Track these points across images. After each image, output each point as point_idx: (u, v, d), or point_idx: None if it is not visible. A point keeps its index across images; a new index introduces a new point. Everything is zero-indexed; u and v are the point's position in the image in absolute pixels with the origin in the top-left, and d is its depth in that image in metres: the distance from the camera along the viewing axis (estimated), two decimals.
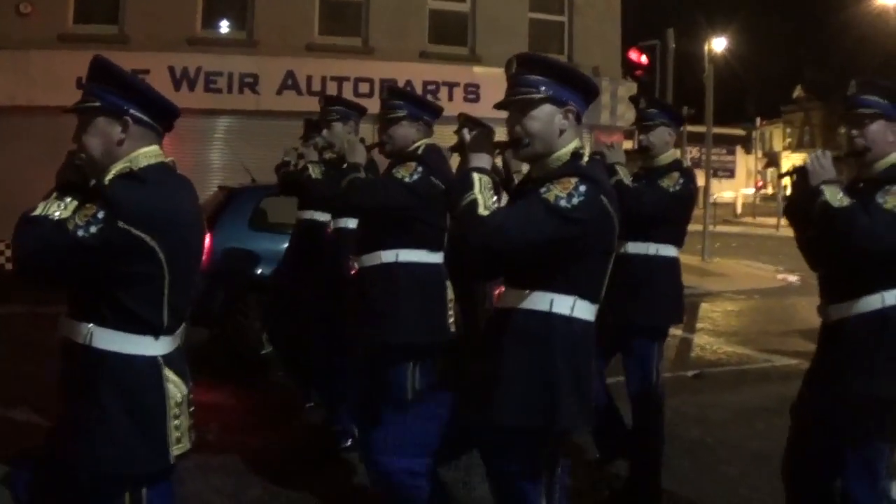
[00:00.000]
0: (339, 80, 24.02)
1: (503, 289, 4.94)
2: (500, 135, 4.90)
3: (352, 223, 8.24)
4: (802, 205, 5.77)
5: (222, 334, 12.82)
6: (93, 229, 3.98)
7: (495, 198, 4.56)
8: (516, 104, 4.81)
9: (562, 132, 4.77)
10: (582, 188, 4.53)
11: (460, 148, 4.90)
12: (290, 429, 9.42)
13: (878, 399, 5.55)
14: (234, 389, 10.46)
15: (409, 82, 23.88)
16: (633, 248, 7.38)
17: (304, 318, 9.31)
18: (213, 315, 12.25)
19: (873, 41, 64.04)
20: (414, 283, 6.86)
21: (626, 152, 8.03)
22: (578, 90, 4.87)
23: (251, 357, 12.60)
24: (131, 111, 4.32)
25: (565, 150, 4.78)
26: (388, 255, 6.88)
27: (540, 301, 4.67)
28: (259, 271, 12.58)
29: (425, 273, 6.92)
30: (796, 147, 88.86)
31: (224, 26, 24.85)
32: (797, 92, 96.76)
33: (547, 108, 4.75)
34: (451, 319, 7.10)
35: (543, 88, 4.75)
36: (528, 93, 4.76)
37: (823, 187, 5.51)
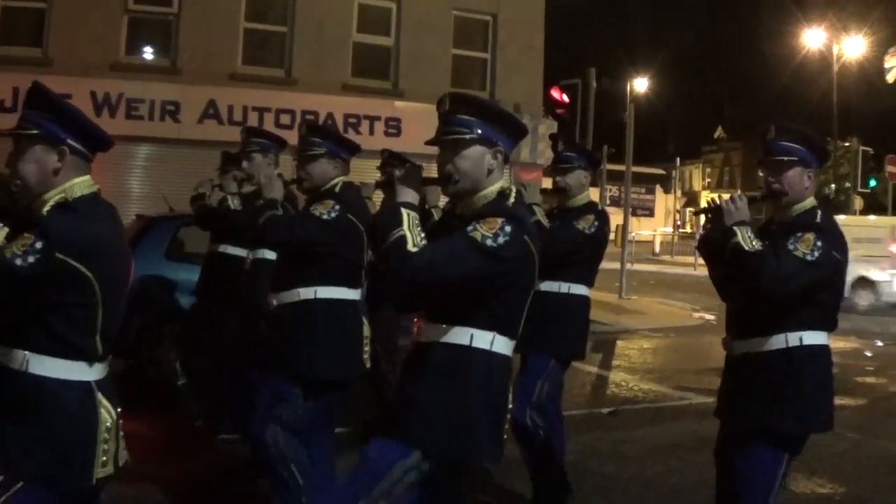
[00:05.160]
0: (261, 111, 23.95)
1: (423, 323, 4.98)
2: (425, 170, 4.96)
3: (270, 254, 8.23)
4: (715, 243, 5.89)
5: (137, 364, 12.69)
6: (30, 259, 4.02)
7: (423, 234, 4.62)
8: (448, 143, 4.88)
9: (490, 172, 4.88)
10: (507, 228, 4.63)
11: (387, 184, 4.95)
12: (205, 460, 9.31)
13: (780, 434, 5.72)
14: (149, 420, 10.33)
15: (330, 115, 23.90)
16: (545, 285, 7.47)
17: (219, 350, 9.26)
18: (129, 345, 12.11)
19: (797, 85, 65.12)
20: (332, 319, 6.89)
21: (542, 191, 8.14)
22: (508, 132, 4.99)
23: (166, 387, 12.49)
24: (68, 141, 4.36)
25: (492, 189, 4.88)
26: (306, 292, 6.90)
27: (460, 336, 4.75)
28: (175, 301, 12.48)
29: (343, 310, 6.97)
30: (715, 187, 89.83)
31: (147, 52, 24.68)
32: (718, 132, 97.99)
33: (478, 149, 4.85)
34: (367, 356, 7.15)
35: (475, 129, 4.83)
36: (461, 132, 4.85)
37: (736, 228, 5.67)
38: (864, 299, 28.16)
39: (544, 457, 7.82)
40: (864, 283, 28.18)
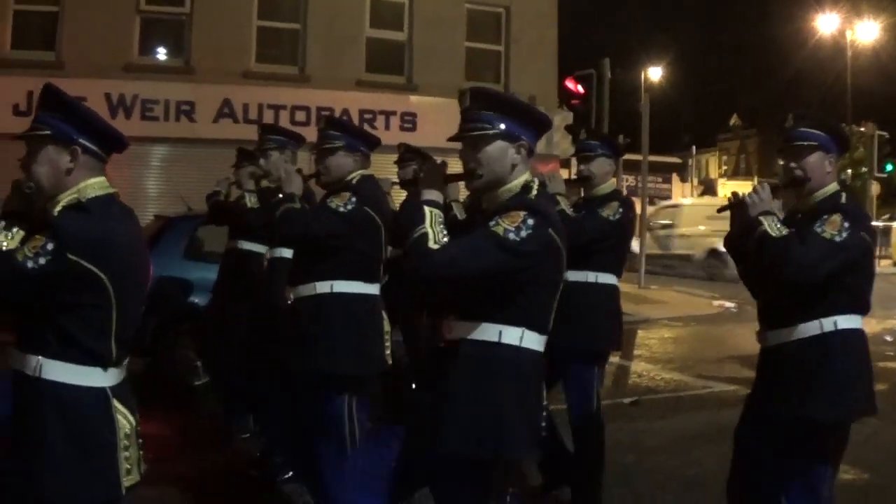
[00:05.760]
0: (276, 108, 24.00)
1: (451, 320, 4.96)
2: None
3: (288, 253, 8.16)
4: (741, 237, 5.85)
5: (155, 364, 12.71)
6: (42, 261, 4.01)
7: (445, 231, 4.61)
8: (470, 139, 4.87)
9: (514, 166, 4.87)
10: (530, 221, 4.62)
11: (411, 182, 4.94)
12: (225, 459, 9.32)
13: (818, 423, 5.64)
14: (168, 420, 10.34)
15: (345, 111, 23.85)
16: (573, 275, 7.37)
17: (239, 348, 9.27)
18: (147, 344, 12.07)
19: (811, 70, 64.89)
20: (349, 314, 6.84)
21: (566, 181, 8.09)
22: (531, 125, 4.98)
23: (185, 387, 12.49)
24: (81, 140, 4.35)
25: (516, 183, 4.87)
26: (322, 286, 6.85)
27: (489, 332, 4.74)
28: (194, 300, 12.48)
29: (360, 304, 6.91)
30: (732, 175, 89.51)
31: (161, 53, 24.78)
32: (733, 120, 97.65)
33: (500, 144, 4.84)
34: (388, 351, 7.11)
35: (497, 124, 4.82)
36: (482, 128, 4.84)
37: (762, 218, 5.62)
38: (715, 268, 31.31)
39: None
40: (715, 254, 30.95)
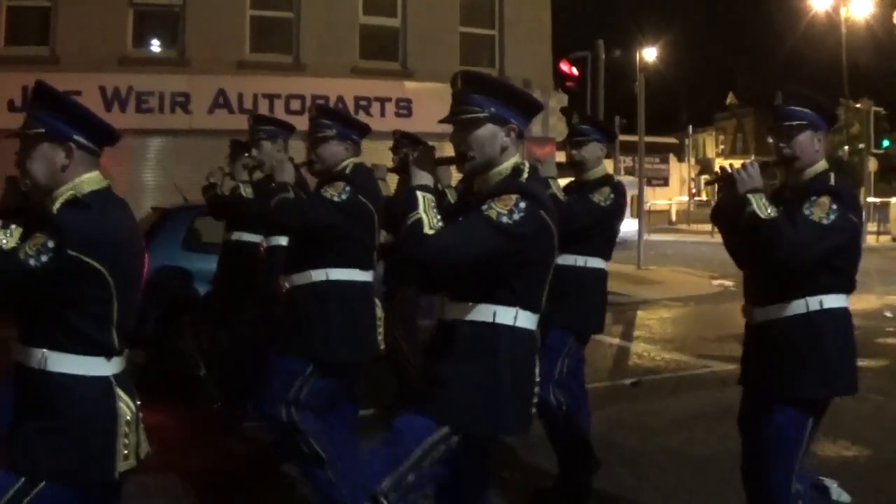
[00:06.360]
0: (271, 98, 23.95)
1: (445, 301, 5.00)
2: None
3: (284, 241, 8.19)
4: (729, 212, 5.87)
5: (157, 355, 12.73)
6: (43, 258, 4.05)
7: (439, 216, 4.65)
8: (461, 122, 4.91)
9: (504, 149, 4.90)
10: (522, 204, 4.66)
11: (402, 168, 4.97)
12: (228, 448, 9.34)
13: (804, 400, 5.70)
14: (171, 410, 10.34)
15: (340, 98, 23.85)
16: (562, 259, 7.39)
17: (240, 337, 9.29)
18: (148, 335, 12.12)
19: (806, 47, 64.84)
20: (343, 301, 6.87)
21: (558, 164, 8.11)
22: (521, 108, 5.01)
23: (187, 377, 12.50)
24: (75, 137, 4.38)
25: (506, 166, 4.91)
26: (318, 274, 6.87)
27: (483, 313, 4.80)
28: (193, 291, 12.50)
29: (355, 292, 6.94)
30: (729, 153, 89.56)
31: (155, 45, 24.71)
32: (729, 99, 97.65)
33: (490, 127, 4.88)
34: (380, 337, 7.15)
35: (487, 107, 4.86)
36: (473, 111, 4.87)
37: (750, 196, 5.61)
38: None
39: (570, 432, 7.80)
40: None
